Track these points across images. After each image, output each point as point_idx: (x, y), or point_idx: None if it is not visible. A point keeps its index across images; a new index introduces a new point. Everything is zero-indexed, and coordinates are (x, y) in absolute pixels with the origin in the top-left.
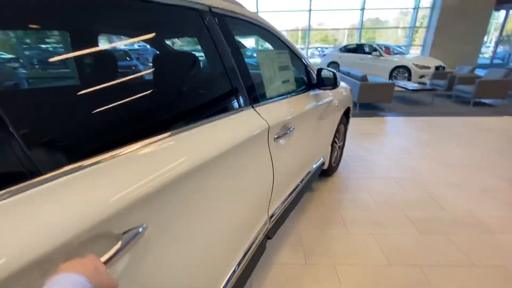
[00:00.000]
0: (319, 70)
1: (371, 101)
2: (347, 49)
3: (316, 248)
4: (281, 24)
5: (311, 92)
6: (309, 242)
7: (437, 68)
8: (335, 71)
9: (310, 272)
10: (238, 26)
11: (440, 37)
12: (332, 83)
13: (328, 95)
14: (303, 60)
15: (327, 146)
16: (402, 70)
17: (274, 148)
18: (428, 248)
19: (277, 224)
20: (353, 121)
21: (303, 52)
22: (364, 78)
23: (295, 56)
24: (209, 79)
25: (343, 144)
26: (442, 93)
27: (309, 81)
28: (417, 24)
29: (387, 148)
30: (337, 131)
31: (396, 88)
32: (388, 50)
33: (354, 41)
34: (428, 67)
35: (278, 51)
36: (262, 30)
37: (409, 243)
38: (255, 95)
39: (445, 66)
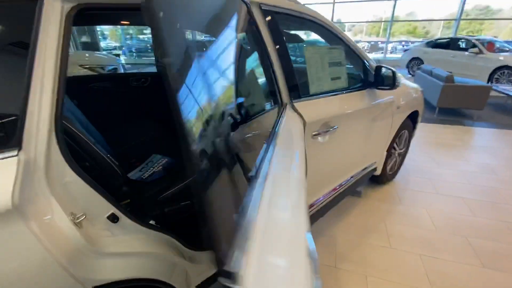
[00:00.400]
0: (378, 68)
1: (456, 106)
2: (436, 44)
3: (349, 254)
4: (361, 14)
5: (366, 91)
6: (343, 246)
7: None
8: (394, 70)
9: (338, 276)
10: (290, 21)
11: None
12: (390, 83)
13: (387, 96)
14: (361, 57)
15: (381, 151)
16: (508, 72)
17: (310, 145)
18: (489, 285)
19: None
20: (427, 127)
21: (383, 46)
22: (449, 79)
23: (352, 53)
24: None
25: (406, 152)
26: None
27: (366, 79)
28: None
29: (464, 163)
30: (398, 136)
31: (494, 94)
32: (492, 46)
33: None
34: None
35: (330, 47)
36: (316, 25)
37: (465, 275)
38: (297, 91)
39: None
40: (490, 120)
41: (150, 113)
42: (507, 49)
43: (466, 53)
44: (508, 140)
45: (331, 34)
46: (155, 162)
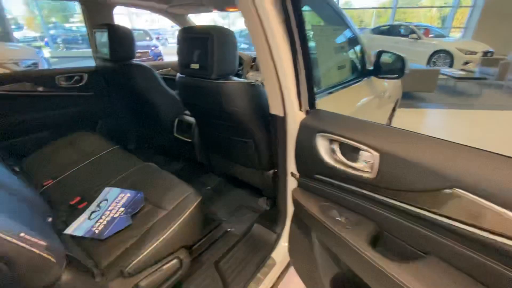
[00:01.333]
0: (380, 53)
1: (410, 90)
2: (379, 31)
3: None
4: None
5: (364, 81)
6: None
7: (485, 53)
8: (403, 55)
9: None
10: None
11: (487, 18)
12: (399, 71)
13: (383, 86)
14: (358, 38)
15: None
16: (443, 55)
17: None
18: None
19: None
20: None
21: None
22: None
23: (351, 35)
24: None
25: None
26: (491, 83)
27: (363, 67)
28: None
29: None
30: None
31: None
32: (428, 32)
33: (383, 22)
34: (475, 52)
35: (334, 27)
36: None
37: None
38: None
39: (493, 51)
40: (438, 101)
41: (90, 124)
42: (437, 34)
43: (407, 38)
44: (458, 118)
45: (331, 10)
46: (111, 201)
